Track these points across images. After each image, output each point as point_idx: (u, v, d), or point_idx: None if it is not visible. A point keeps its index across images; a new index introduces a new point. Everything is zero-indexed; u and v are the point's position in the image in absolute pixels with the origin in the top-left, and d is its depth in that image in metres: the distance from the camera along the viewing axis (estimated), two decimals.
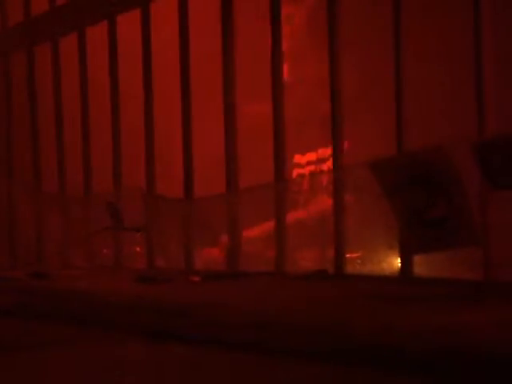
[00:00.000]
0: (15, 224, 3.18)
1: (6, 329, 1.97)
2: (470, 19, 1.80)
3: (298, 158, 3.37)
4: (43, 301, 2.14)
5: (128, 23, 2.71)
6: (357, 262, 2.60)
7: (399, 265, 1.94)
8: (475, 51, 1.79)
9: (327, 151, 3.10)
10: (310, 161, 3.27)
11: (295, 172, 3.40)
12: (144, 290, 2.08)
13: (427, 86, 2.60)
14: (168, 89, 2.60)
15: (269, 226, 2.32)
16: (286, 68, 3.40)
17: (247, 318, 1.61)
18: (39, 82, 3.09)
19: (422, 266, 1.93)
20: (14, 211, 3.18)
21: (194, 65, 2.51)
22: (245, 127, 2.42)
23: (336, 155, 2.07)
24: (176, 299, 1.89)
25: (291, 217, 2.22)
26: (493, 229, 1.77)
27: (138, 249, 2.72)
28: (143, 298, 1.94)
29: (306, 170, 3.30)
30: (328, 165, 2.99)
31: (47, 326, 1.97)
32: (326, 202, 2.90)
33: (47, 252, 2.96)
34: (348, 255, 2.10)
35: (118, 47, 2.74)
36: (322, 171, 3.16)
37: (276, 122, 2.22)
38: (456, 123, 2.44)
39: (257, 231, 3.03)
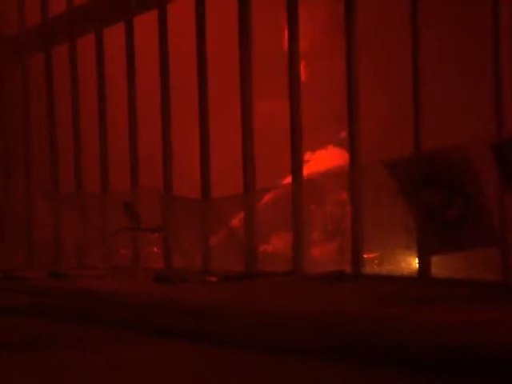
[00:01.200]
0: (32, 224, 3.20)
1: (23, 328, 1.98)
2: (488, 18, 1.79)
3: (307, 156, 3.37)
4: (60, 300, 2.15)
5: (145, 25, 2.72)
6: (374, 262, 2.59)
7: (417, 265, 1.93)
8: (494, 50, 1.77)
9: (336, 150, 3.10)
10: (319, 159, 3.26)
11: (305, 170, 3.40)
12: (161, 291, 2.09)
13: (445, 85, 2.58)
14: (185, 88, 2.61)
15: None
16: (302, 67, 3.39)
17: (263, 318, 1.61)
18: (57, 83, 3.10)
19: (440, 266, 1.92)
20: (31, 211, 3.19)
21: (211, 65, 2.51)
22: (260, 126, 2.41)
23: (353, 154, 2.06)
24: (193, 300, 1.89)
25: (308, 216, 2.21)
26: (511, 228, 1.75)
27: (155, 249, 2.72)
28: (160, 298, 1.94)
29: (316, 169, 3.30)
30: (336, 163, 2.99)
31: (64, 325, 1.97)
32: (342, 202, 2.89)
33: (64, 252, 2.97)
34: (365, 255, 2.09)
35: (135, 49, 2.74)
36: (338, 171, 3.15)
37: (293, 121, 2.21)
38: (474, 122, 2.42)
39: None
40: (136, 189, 2.70)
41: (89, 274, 2.52)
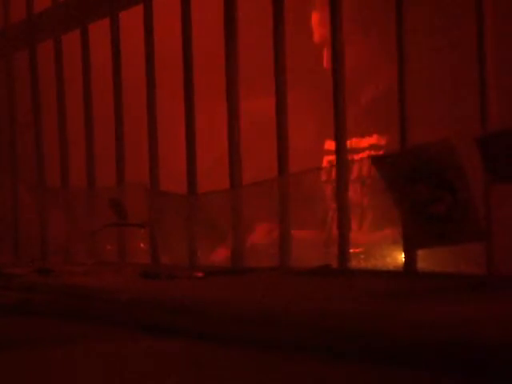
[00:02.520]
0: (19, 221, 3.19)
1: (11, 326, 1.97)
2: (472, 15, 1.80)
3: (329, 145, 3.36)
4: (47, 297, 2.14)
5: (131, 20, 2.71)
6: (360, 256, 2.61)
7: (403, 259, 1.94)
8: (477, 46, 1.78)
9: (359, 140, 3.10)
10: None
11: (325, 159, 3.39)
12: (148, 286, 2.08)
13: (430, 81, 2.59)
14: (171, 84, 2.60)
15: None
16: (325, 55, 3.38)
17: (251, 313, 1.61)
18: (42, 79, 3.09)
19: (426, 260, 1.93)
20: (18, 208, 3.18)
21: (197, 60, 2.51)
22: (248, 122, 2.41)
23: (339, 150, 2.07)
24: (180, 295, 1.90)
25: (294, 211, 2.22)
26: (497, 223, 1.77)
27: (141, 245, 2.72)
28: (147, 294, 1.94)
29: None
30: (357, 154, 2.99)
31: (51, 322, 1.97)
32: (329, 197, 2.90)
33: (51, 248, 2.96)
34: (351, 250, 2.10)
35: (120, 44, 2.74)
36: (325, 165, 3.15)
37: (279, 116, 2.21)
38: (459, 117, 2.43)
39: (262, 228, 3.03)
40: (122, 184, 2.70)
41: (75, 270, 2.52)
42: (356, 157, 2.78)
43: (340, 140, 2.04)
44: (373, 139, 3.17)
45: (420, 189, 1.72)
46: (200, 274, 2.18)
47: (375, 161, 1.79)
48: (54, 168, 3.00)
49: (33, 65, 3.09)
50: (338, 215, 2.05)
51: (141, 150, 2.68)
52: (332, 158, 3.36)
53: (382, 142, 3.13)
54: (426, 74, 2.45)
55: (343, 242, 2.05)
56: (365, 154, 3.04)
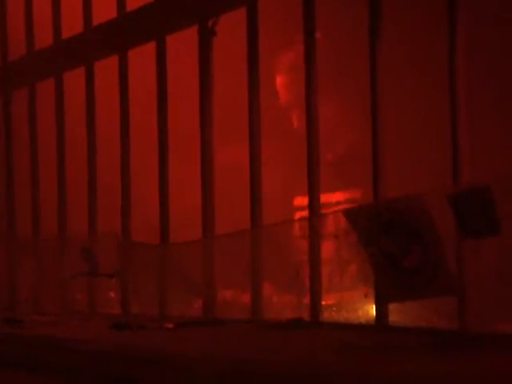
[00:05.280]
0: None
1: None
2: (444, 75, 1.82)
3: (299, 201, 3.38)
4: (14, 348, 2.11)
5: (106, 70, 2.72)
6: (332, 309, 2.60)
7: (374, 313, 1.93)
8: (451, 105, 1.80)
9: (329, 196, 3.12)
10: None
11: (297, 215, 3.42)
12: (117, 338, 2.06)
13: (402, 136, 2.62)
14: (145, 133, 2.61)
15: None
16: (294, 114, 3.44)
17: (221, 366, 1.60)
18: (15, 128, 3.09)
19: (398, 314, 1.92)
20: None
21: (172, 110, 2.51)
22: (222, 171, 2.42)
23: (312, 202, 2.07)
24: (150, 347, 1.87)
25: (267, 263, 2.21)
26: (468, 278, 1.77)
27: (112, 295, 2.69)
28: (116, 345, 1.92)
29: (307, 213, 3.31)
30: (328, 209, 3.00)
31: (18, 374, 1.94)
32: (301, 249, 2.90)
33: (20, 298, 2.93)
34: (323, 303, 2.10)
35: (95, 94, 2.74)
36: (296, 218, 3.16)
37: (252, 167, 2.22)
38: (431, 173, 2.45)
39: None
40: (94, 233, 2.68)
41: (44, 320, 2.48)
42: (325, 211, 2.79)
43: (312, 194, 2.05)
44: (338, 195, 3.21)
45: (392, 242, 1.72)
46: (170, 326, 2.16)
47: (348, 213, 1.79)
48: (26, 217, 2.98)
49: (6, 112, 3.09)
50: (309, 268, 2.04)
51: (113, 199, 2.67)
52: (300, 213, 3.39)
53: (346, 197, 3.18)
54: (401, 129, 2.47)
55: (315, 295, 2.05)
56: (332, 209, 3.07)
